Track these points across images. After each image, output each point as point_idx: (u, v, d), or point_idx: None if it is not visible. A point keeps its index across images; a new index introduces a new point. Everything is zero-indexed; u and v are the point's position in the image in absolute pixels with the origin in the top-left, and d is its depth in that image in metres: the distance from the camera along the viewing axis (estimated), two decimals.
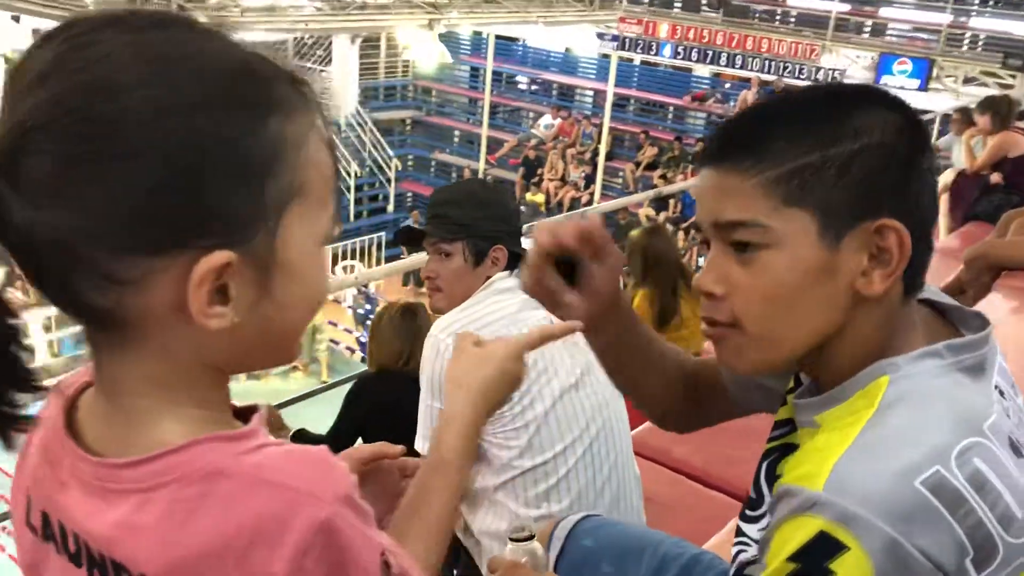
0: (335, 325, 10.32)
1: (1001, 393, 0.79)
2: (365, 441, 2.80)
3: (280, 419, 2.60)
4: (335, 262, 12.11)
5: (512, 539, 1.16)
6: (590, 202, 13.53)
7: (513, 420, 1.71)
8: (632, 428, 2.20)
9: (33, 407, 0.63)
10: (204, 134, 0.55)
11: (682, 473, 2.45)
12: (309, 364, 9.63)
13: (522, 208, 13.27)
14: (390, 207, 15.50)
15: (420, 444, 1.75)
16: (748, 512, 0.97)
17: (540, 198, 14.13)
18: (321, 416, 3.05)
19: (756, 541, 0.96)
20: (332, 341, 9.98)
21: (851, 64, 12.51)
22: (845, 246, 0.78)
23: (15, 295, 0.61)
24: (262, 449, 0.60)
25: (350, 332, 10.63)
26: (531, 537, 1.15)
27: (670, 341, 3.41)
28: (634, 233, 4.05)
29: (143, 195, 0.54)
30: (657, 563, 1.30)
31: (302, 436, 2.58)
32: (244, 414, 0.66)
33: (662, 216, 11.96)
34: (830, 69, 12.09)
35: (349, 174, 14.78)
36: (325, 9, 11.17)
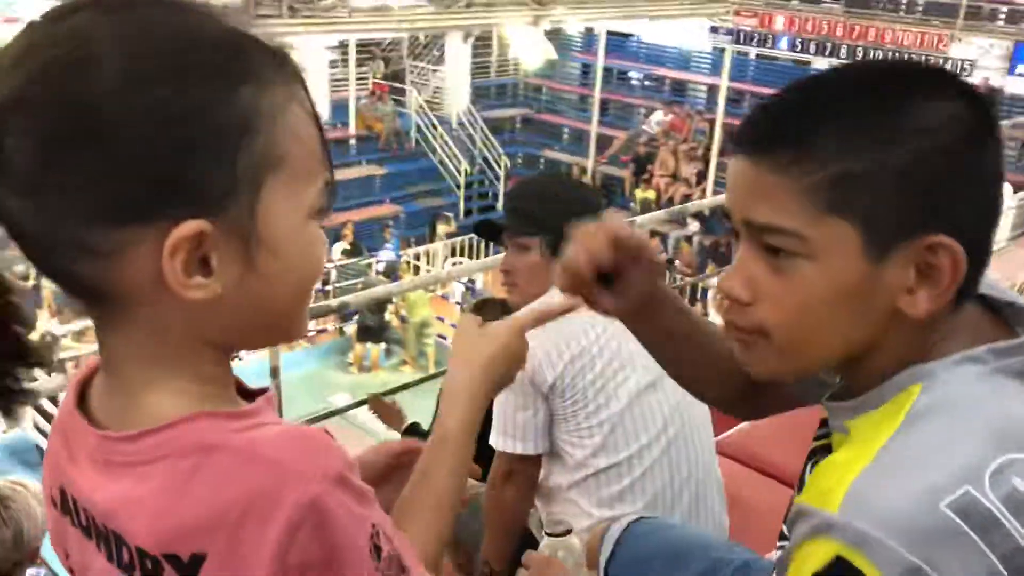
0: (443, 320, 10.47)
1: None
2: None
3: (400, 412, 2.67)
4: (445, 259, 12.31)
5: (548, 534, 1.14)
6: (702, 198, 13.27)
7: (588, 418, 1.69)
8: (718, 431, 2.14)
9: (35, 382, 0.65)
10: (171, 104, 0.55)
11: (769, 475, 2.37)
12: (418, 358, 9.81)
13: (631, 204, 13.16)
14: (499, 205, 15.62)
15: (495, 439, 1.74)
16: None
17: (651, 195, 13.96)
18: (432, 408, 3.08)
19: None
20: (440, 336, 10.13)
21: (984, 54, 11.85)
22: (891, 261, 0.70)
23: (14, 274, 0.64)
24: (257, 427, 0.61)
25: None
26: (567, 532, 1.13)
27: None
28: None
29: (110, 166, 0.55)
30: (707, 567, 1.26)
31: (414, 430, 2.63)
32: (254, 395, 0.67)
33: None
34: (960, 59, 11.48)
35: (460, 172, 14.98)
36: (431, 8, 11.34)
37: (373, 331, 9.64)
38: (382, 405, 2.73)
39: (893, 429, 0.67)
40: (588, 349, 1.68)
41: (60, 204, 0.56)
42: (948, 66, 1.30)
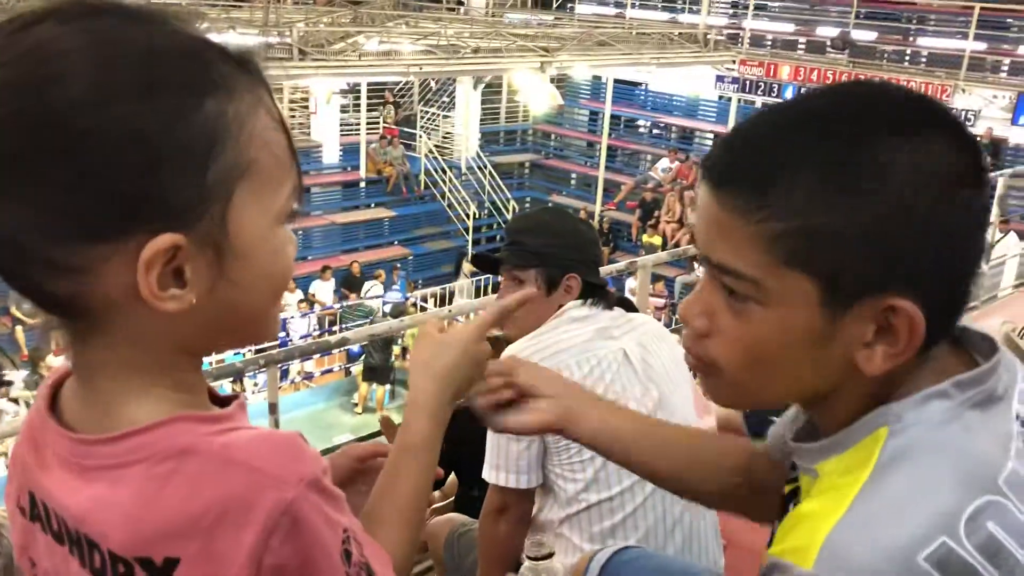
0: None
1: (1023, 423, 0.69)
2: (458, 474, 2.83)
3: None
4: (451, 300, 12.32)
5: (529, 557, 1.13)
6: None
7: (580, 452, 1.68)
8: None
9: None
10: (138, 120, 0.55)
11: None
12: None
13: (639, 249, 13.18)
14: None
15: (488, 473, 1.74)
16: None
17: (657, 240, 14.00)
18: None
19: None
20: None
21: (987, 104, 11.94)
22: (849, 316, 0.67)
23: None
24: (234, 431, 0.61)
25: None
26: (550, 555, 1.12)
27: None
28: None
29: (78, 183, 0.55)
30: None
31: None
32: (226, 402, 0.67)
33: None
34: (963, 109, 11.56)
35: (468, 215, 15.06)
36: (439, 54, 11.52)
37: (378, 371, 9.62)
38: (393, 429, 2.74)
39: (863, 478, 0.65)
40: (582, 382, 1.67)
41: (29, 222, 0.56)
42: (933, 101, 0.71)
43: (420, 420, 0.86)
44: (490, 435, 1.74)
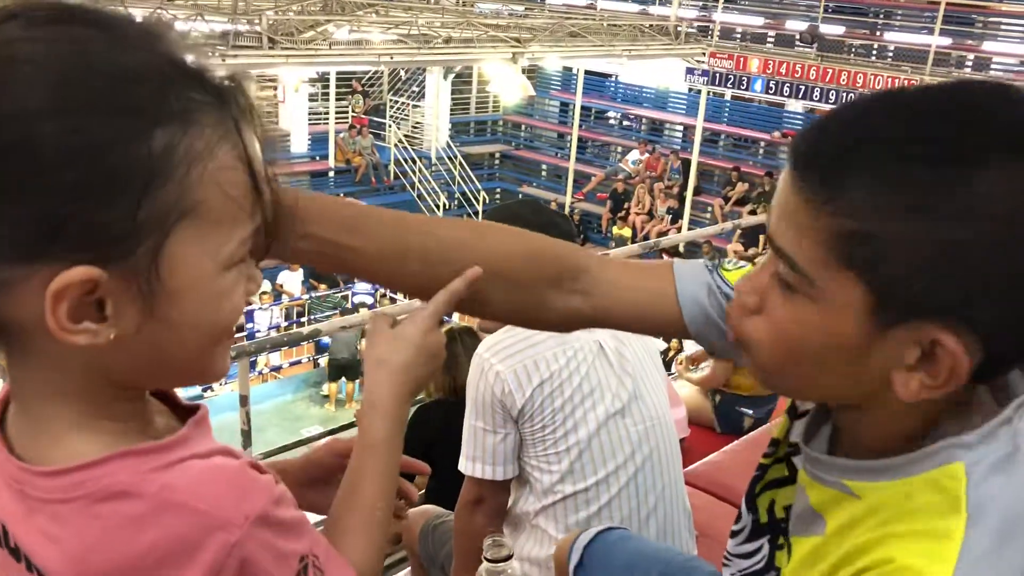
0: None
1: None
2: (433, 468, 2.83)
3: None
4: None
5: (487, 559, 1.12)
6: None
7: (555, 444, 1.69)
8: (688, 462, 2.14)
9: None
10: (69, 140, 0.52)
11: (738, 507, 2.37)
12: None
13: (609, 241, 13.24)
14: None
15: (464, 464, 1.74)
16: (733, 527, 0.93)
17: (627, 232, 14.07)
18: None
19: (734, 556, 0.92)
20: None
21: None
22: (893, 335, 0.64)
23: None
24: (178, 465, 0.59)
25: None
26: (508, 558, 1.11)
27: (749, 379, 3.25)
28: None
29: None
30: (672, 574, 1.26)
31: None
32: (189, 412, 0.65)
33: (751, 251, 11.73)
34: None
35: (438, 206, 15.02)
36: (410, 43, 11.45)
37: (346, 368, 9.55)
38: None
39: (961, 522, 0.63)
40: (558, 374, 1.68)
41: None
42: None
43: (379, 420, 0.82)
44: (466, 427, 1.74)
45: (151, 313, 0.57)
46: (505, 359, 1.69)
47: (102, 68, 0.54)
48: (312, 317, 10.90)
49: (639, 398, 1.75)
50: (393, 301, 11.48)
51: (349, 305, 11.23)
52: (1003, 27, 13.89)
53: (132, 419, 0.63)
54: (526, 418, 1.68)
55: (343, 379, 9.68)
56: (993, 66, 13.32)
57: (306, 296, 11.50)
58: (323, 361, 10.09)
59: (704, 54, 13.68)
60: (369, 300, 11.34)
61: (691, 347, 9.20)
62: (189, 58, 0.57)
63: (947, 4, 12.52)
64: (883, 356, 0.65)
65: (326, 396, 9.79)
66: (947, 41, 13.21)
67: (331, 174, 14.76)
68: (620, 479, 1.70)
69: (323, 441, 0.96)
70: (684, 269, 0.90)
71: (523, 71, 12.37)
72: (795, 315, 0.67)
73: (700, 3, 16.46)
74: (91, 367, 0.58)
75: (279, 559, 0.60)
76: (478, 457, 1.72)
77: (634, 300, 0.90)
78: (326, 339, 9.45)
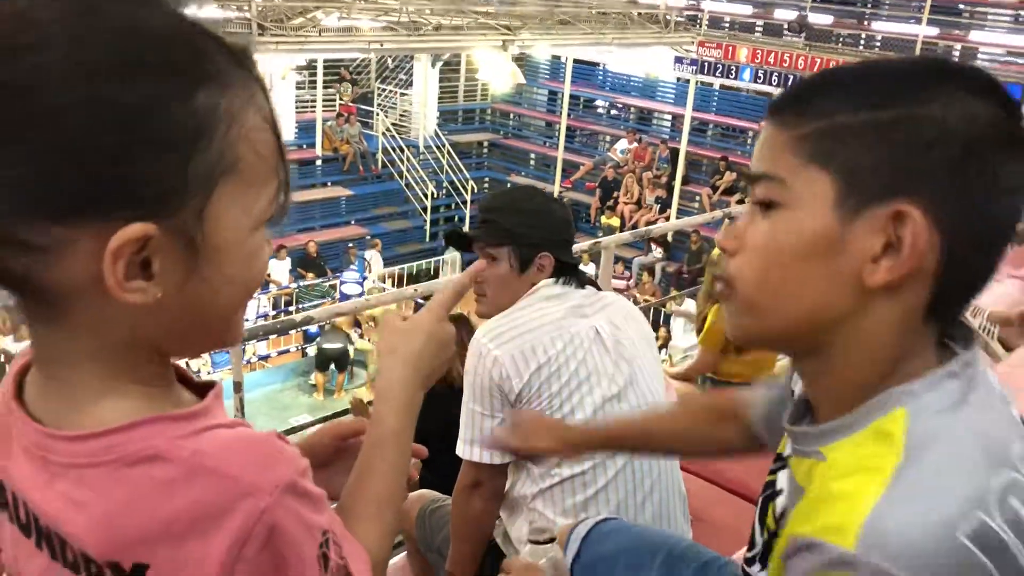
0: None
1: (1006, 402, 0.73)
2: (429, 456, 2.83)
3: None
4: (411, 281, 12.30)
5: (531, 541, 1.15)
6: None
7: None
8: None
9: None
10: (124, 100, 0.53)
11: (734, 493, 2.40)
12: (375, 380, 9.73)
13: (597, 231, 13.26)
14: (465, 228, 15.62)
15: (461, 448, 1.75)
16: (747, 554, 0.95)
17: (615, 221, 14.09)
18: None
19: None
20: None
21: None
22: (860, 225, 0.69)
23: None
24: (207, 432, 0.59)
25: None
26: (551, 540, 1.13)
27: (738, 365, 3.31)
28: (716, 252, 4.06)
29: (52, 159, 0.52)
30: (669, 564, 1.27)
31: None
32: (204, 389, 0.65)
33: None
34: None
35: (426, 195, 14.99)
36: (400, 31, 11.40)
37: (336, 358, 9.52)
38: (365, 411, 2.77)
39: (895, 459, 0.66)
40: (555, 359, 1.69)
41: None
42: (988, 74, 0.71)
43: (392, 409, 0.84)
44: (464, 411, 1.75)
45: (193, 270, 0.58)
46: (503, 344, 1.69)
47: (145, 30, 0.55)
48: (300, 306, 10.88)
49: (635, 383, 1.76)
50: (382, 291, 11.51)
51: (337, 294, 11.22)
52: (989, 17, 13.94)
53: (159, 385, 0.63)
54: (524, 402, 1.69)
55: (332, 368, 9.65)
56: (980, 56, 13.37)
57: (294, 285, 11.48)
58: (311, 350, 10.08)
59: (693, 43, 13.67)
60: (357, 289, 11.34)
61: (678, 337, 9.21)
62: (207, 24, 0.59)
63: None
64: (852, 252, 0.70)
65: (314, 385, 9.77)
66: (934, 31, 13.25)
67: (318, 163, 14.70)
68: (616, 462, 1.71)
69: (324, 424, 0.97)
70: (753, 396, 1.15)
71: (512, 59, 12.35)
72: (771, 228, 0.74)
73: None
74: (126, 330, 0.59)
75: (306, 529, 0.61)
76: (476, 441, 1.72)
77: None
78: (314, 328, 9.43)
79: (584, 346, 1.72)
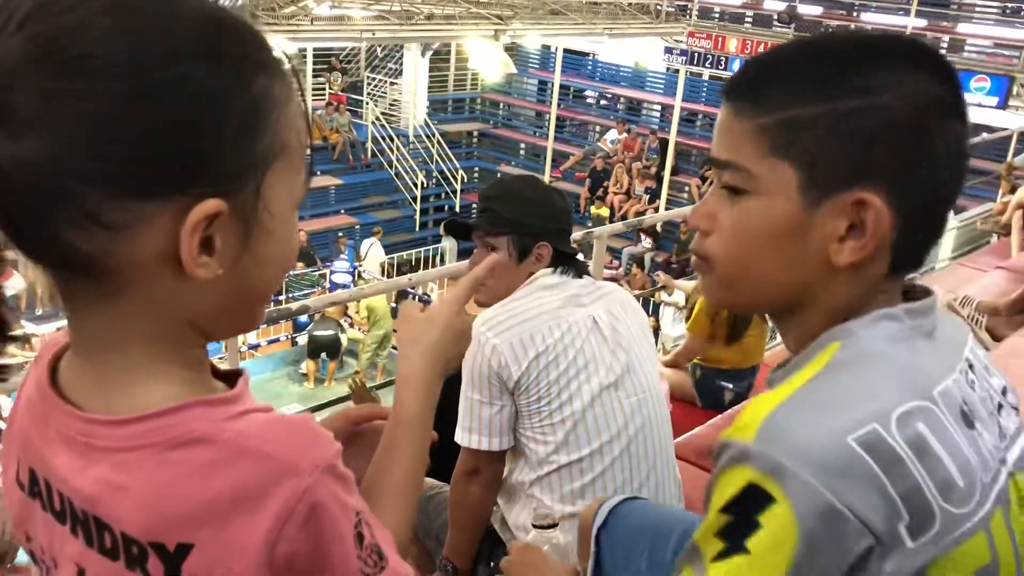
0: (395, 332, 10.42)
1: (971, 367, 0.78)
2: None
3: (377, 402, 2.70)
4: (400, 271, 12.29)
5: (535, 526, 1.17)
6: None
7: (551, 415, 1.72)
8: (677, 434, 2.18)
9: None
10: (201, 82, 0.56)
11: None
12: (368, 370, 9.75)
13: (587, 221, 13.27)
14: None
15: (460, 435, 1.77)
16: None
17: (605, 211, 14.11)
18: None
19: None
20: (394, 348, 10.10)
21: None
22: (825, 209, 0.74)
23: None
24: (246, 416, 0.61)
25: None
26: (554, 525, 1.15)
27: (727, 352, 3.36)
28: None
29: (139, 136, 0.54)
30: (684, 539, 1.31)
31: None
32: (230, 377, 0.67)
33: None
34: None
35: (416, 184, 14.97)
36: (392, 20, 11.36)
37: (327, 346, 9.51)
38: (365, 395, 2.79)
39: (810, 375, 0.72)
40: (553, 347, 1.71)
41: (85, 171, 0.54)
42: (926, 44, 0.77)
43: (413, 395, 0.87)
44: (463, 399, 1.77)
45: (246, 248, 0.61)
46: (501, 332, 1.71)
47: (213, 20, 0.58)
48: (290, 295, 10.86)
49: (632, 371, 1.79)
50: (367, 281, 11.51)
51: (327, 284, 11.21)
52: (977, 9, 14.02)
53: (199, 370, 0.65)
54: (522, 390, 1.71)
55: (323, 357, 9.64)
56: (967, 47, 13.42)
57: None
58: (301, 340, 10.07)
59: (683, 33, 13.68)
60: (347, 279, 11.33)
61: (668, 326, 9.20)
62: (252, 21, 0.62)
63: None
64: (818, 235, 0.75)
65: (305, 374, 9.77)
66: (922, 23, 13.28)
67: (307, 152, 14.61)
68: (614, 450, 1.74)
69: (338, 410, 0.99)
70: None
71: (503, 49, 12.33)
72: (742, 214, 0.77)
73: None
74: (179, 308, 0.61)
75: (343, 509, 0.62)
76: (475, 428, 1.74)
77: None
78: (303, 318, 9.42)
79: (582, 335, 1.75)
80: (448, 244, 13.18)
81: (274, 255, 0.64)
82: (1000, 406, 0.79)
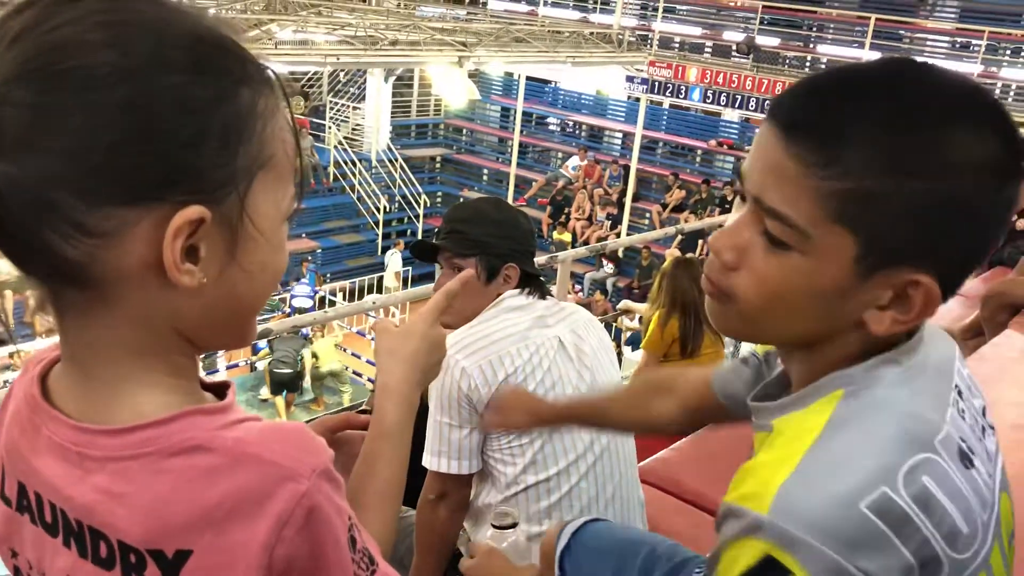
0: (359, 357, 10.36)
1: (959, 394, 0.78)
2: None
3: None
4: (361, 295, 12.22)
5: (494, 526, 1.15)
6: None
7: (519, 436, 1.72)
8: (641, 458, 2.19)
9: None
10: (185, 93, 0.57)
11: (690, 503, 2.43)
12: (323, 396, 9.65)
13: (550, 246, 13.34)
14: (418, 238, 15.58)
15: (428, 459, 1.76)
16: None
17: (567, 236, 14.19)
18: None
19: None
20: (355, 373, 10.01)
21: None
22: (874, 280, 0.72)
23: None
24: (242, 423, 0.62)
25: (373, 364, 10.65)
26: (513, 525, 1.14)
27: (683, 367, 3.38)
28: (667, 265, 4.17)
29: (120, 145, 0.55)
30: (650, 562, 1.31)
31: None
32: (218, 389, 0.67)
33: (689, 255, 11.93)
34: None
35: (379, 209, 14.94)
36: (357, 45, 11.38)
37: (287, 383, 9.41)
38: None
39: (816, 434, 0.71)
40: (522, 368, 1.72)
41: (68, 180, 0.55)
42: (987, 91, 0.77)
43: (393, 404, 0.88)
44: (430, 422, 1.76)
45: (232, 258, 0.61)
46: (470, 355, 1.71)
47: (195, 33, 0.59)
48: None
49: (596, 389, 1.80)
50: (332, 304, 11.42)
51: (288, 308, 11.10)
52: (928, 42, 14.42)
53: (189, 378, 0.65)
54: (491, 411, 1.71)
55: (284, 392, 9.52)
56: None
57: None
58: (260, 365, 9.95)
59: (644, 62, 13.88)
60: (308, 303, 11.24)
61: (629, 351, 9.25)
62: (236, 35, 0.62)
63: (876, 19, 12.97)
64: (860, 299, 0.73)
65: (264, 400, 9.64)
66: (877, 55, 13.57)
67: (298, 166, 14.51)
68: (580, 468, 1.74)
69: (316, 419, 0.99)
70: (719, 372, 1.22)
71: (467, 75, 12.41)
72: (782, 268, 0.74)
73: (640, 12, 16.70)
74: (166, 316, 0.61)
75: (338, 513, 0.63)
76: (443, 452, 1.74)
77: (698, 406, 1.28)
78: (261, 343, 9.31)
79: (549, 356, 1.75)
80: (391, 263, 13.20)
81: (261, 266, 0.64)
82: (983, 429, 0.80)
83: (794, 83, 0.76)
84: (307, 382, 9.75)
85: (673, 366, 3.50)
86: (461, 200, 16.24)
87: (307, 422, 0.85)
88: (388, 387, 0.89)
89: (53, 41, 0.55)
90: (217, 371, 9.91)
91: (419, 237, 14.77)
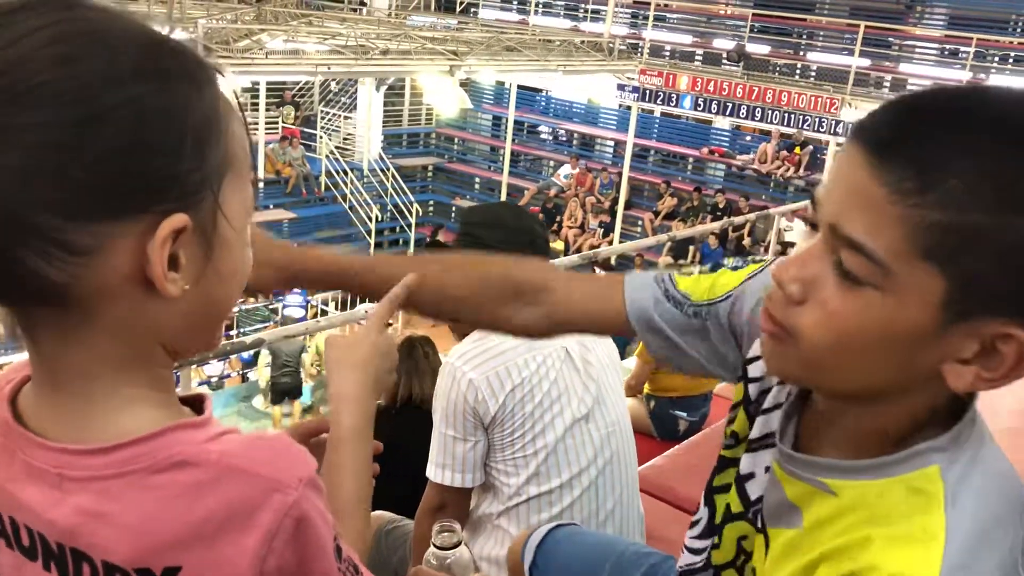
0: None
1: None
2: (383, 474, 2.81)
3: None
4: (354, 304, 12.19)
5: (436, 546, 1.12)
6: None
7: (524, 448, 1.71)
8: (638, 465, 2.19)
9: None
10: (151, 102, 0.56)
11: (683, 510, 2.43)
12: (318, 406, 9.60)
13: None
14: (410, 252, 15.60)
15: (431, 471, 1.75)
16: (693, 518, 0.98)
17: (559, 245, 14.20)
18: None
19: (690, 549, 0.97)
20: None
21: None
22: (960, 329, 0.64)
23: None
24: (224, 436, 0.61)
25: None
26: (458, 544, 1.11)
27: (677, 379, 3.34)
28: None
29: (96, 161, 0.54)
30: (618, 568, 1.30)
31: None
32: (194, 403, 0.67)
33: (680, 263, 11.96)
34: (850, 122, 12.14)
35: (370, 218, 14.93)
36: (348, 54, 11.39)
37: (288, 391, 9.34)
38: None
39: (940, 519, 0.65)
40: (528, 380, 1.71)
41: (46, 199, 0.53)
42: None
43: (348, 412, 0.89)
44: (435, 434, 1.75)
45: (208, 263, 0.61)
46: (477, 367, 1.70)
47: (151, 40, 0.58)
48: (240, 330, 10.70)
49: (602, 403, 1.79)
50: (324, 313, 11.38)
51: (279, 317, 11.06)
52: (917, 50, 14.51)
53: (168, 390, 0.64)
54: (497, 424, 1.70)
55: (285, 401, 9.44)
56: (909, 87, 13.86)
57: (236, 308, 11.30)
58: (251, 375, 9.89)
59: (635, 71, 13.92)
60: (300, 313, 11.19)
61: (626, 360, 9.29)
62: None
63: (866, 27, 13.01)
64: (941, 349, 0.65)
65: (257, 410, 9.58)
66: (866, 62, 13.70)
67: (261, 185, 14.54)
68: (583, 482, 1.74)
69: (289, 426, 0.99)
70: (634, 281, 1.01)
71: (458, 84, 12.42)
72: (857, 306, 0.65)
73: (630, 20, 16.75)
74: (147, 329, 0.60)
75: (325, 521, 0.63)
76: (447, 465, 1.73)
77: (585, 311, 1.04)
78: (247, 355, 9.26)
79: (556, 366, 1.74)
80: None
81: (232, 269, 0.64)
82: None
83: (883, 104, 0.67)
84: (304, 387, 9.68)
85: (668, 376, 3.48)
86: (453, 209, 16.25)
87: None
88: (341, 395, 0.90)
89: (8, 59, 0.53)
90: (210, 381, 9.89)
91: (411, 246, 14.79)
